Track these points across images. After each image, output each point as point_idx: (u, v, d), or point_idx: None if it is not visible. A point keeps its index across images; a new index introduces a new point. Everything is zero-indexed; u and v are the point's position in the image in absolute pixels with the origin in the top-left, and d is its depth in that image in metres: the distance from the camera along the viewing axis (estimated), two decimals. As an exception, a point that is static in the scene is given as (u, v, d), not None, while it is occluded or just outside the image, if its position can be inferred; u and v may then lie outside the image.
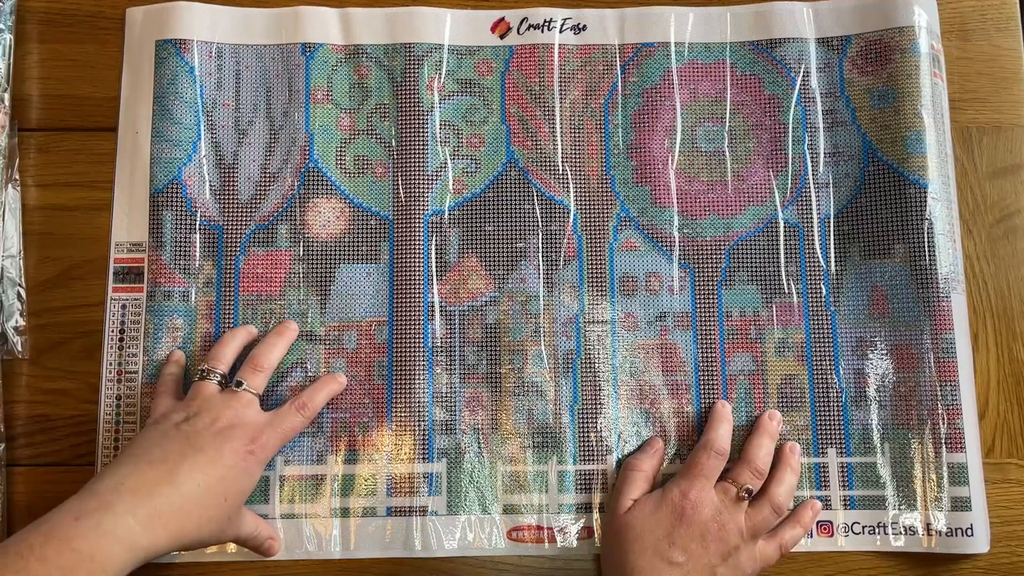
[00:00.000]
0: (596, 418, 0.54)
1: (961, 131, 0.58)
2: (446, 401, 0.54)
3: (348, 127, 0.57)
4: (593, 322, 0.55)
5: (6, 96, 0.56)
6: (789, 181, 0.56)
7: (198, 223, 0.55)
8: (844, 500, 0.53)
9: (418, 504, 0.53)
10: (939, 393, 0.53)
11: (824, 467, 0.53)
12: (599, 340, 0.55)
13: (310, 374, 0.54)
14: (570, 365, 0.54)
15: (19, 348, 0.54)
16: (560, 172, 0.57)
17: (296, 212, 0.56)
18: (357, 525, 0.52)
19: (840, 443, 0.54)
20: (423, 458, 0.53)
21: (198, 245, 0.55)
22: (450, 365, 0.54)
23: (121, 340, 0.54)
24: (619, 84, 0.58)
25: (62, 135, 0.57)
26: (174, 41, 0.57)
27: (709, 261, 0.56)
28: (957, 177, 0.57)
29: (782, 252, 0.56)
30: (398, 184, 0.56)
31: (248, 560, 0.52)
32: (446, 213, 0.56)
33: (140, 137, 0.56)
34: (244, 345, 0.53)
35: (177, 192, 0.55)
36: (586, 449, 0.54)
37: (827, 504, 0.53)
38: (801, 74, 0.57)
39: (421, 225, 0.56)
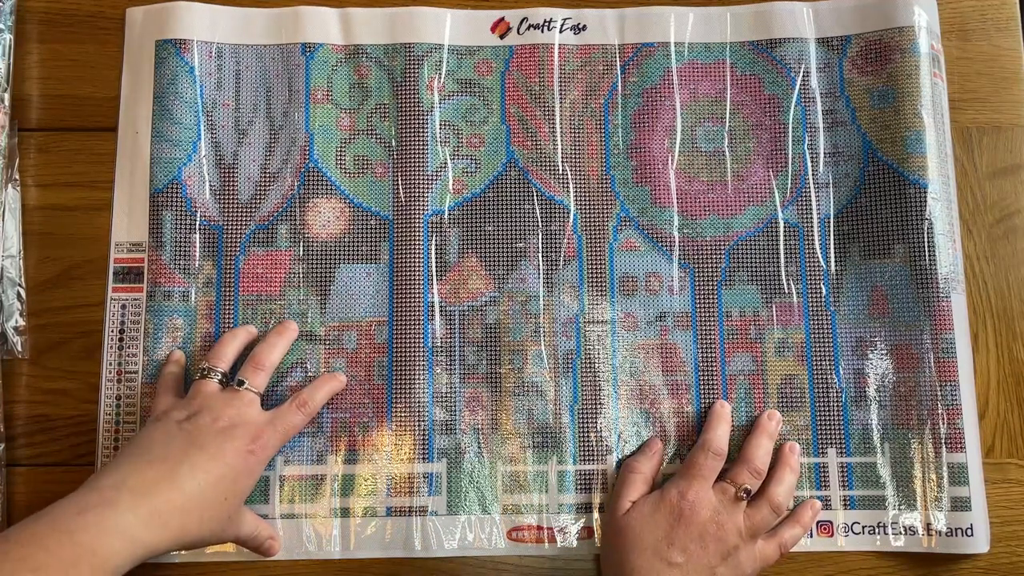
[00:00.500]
0: (596, 418, 0.54)
1: (961, 131, 0.58)
2: (446, 401, 0.54)
3: (348, 127, 0.57)
4: (593, 322, 0.55)
5: (6, 96, 0.56)
6: (789, 181, 0.56)
7: (198, 223, 0.55)
8: (844, 500, 0.53)
9: (418, 504, 0.53)
10: (939, 393, 0.53)
11: (824, 467, 0.53)
12: (599, 340, 0.55)
13: (310, 374, 0.54)
14: (570, 365, 0.54)
15: (19, 348, 0.54)
16: (560, 172, 0.57)
17: (296, 212, 0.56)
18: (357, 525, 0.52)
19: (840, 443, 0.54)
20: (423, 458, 0.53)
21: (198, 245, 0.55)
22: (450, 365, 0.54)
23: (121, 340, 0.54)
24: (619, 84, 0.58)
25: (62, 135, 0.57)
26: (174, 41, 0.57)
27: (709, 261, 0.56)
28: (957, 177, 0.57)
29: (782, 252, 0.56)
30: (398, 184, 0.56)
31: (248, 560, 0.52)
32: (446, 213, 0.56)
33: (140, 137, 0.56)
34: (244, 345, 0.53)
35: (177, 192, 0.55)
36: (586, 449, 0.54)
37: (827, 504, 0.53)
38: (801, 74, 0.57)
39: (421, 225, 0.56)
